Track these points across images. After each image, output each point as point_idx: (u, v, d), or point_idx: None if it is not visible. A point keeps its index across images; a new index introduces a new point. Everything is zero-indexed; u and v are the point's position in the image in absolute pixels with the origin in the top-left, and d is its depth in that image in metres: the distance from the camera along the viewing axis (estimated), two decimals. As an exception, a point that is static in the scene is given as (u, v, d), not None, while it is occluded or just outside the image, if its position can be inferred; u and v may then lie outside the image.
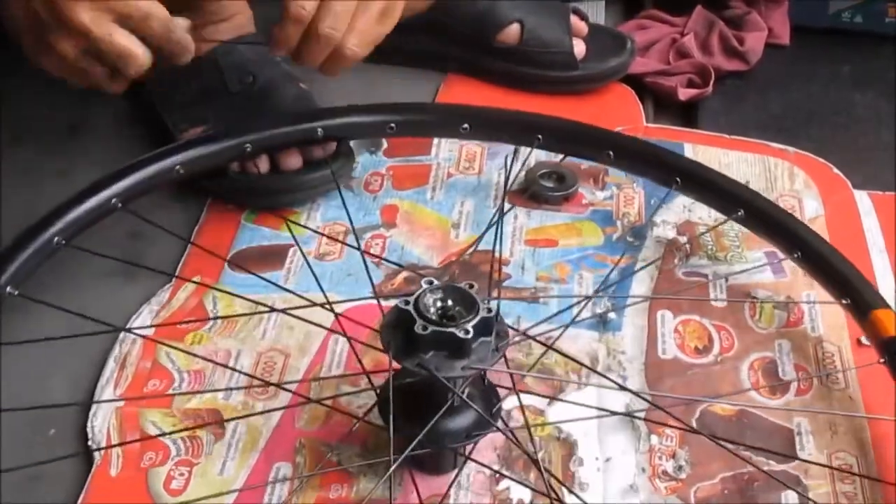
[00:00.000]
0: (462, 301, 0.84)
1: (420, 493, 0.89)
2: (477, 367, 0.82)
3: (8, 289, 0.93)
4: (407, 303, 0.83)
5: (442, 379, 0.81)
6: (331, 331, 0.99)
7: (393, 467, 0.81)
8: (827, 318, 1.05)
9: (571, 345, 1.02)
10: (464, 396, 0.85)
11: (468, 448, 0.91)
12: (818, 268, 1.01)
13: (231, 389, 0.98)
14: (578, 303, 1.05)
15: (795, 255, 1.02)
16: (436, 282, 0.84)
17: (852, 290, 0.99)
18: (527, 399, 0.96)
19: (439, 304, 0.84)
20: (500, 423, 0.89)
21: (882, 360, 0.93)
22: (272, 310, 1.02)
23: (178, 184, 1.17)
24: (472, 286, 0.84)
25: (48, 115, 1.22)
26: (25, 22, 0.87)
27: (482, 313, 0.82)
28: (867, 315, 0.97)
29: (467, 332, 0.80)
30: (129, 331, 1.02)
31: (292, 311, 0.98)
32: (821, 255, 1.01)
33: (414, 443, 0.83)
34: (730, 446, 0.90)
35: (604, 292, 1.07)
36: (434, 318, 0.82)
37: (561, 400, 0.97)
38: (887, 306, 0.97)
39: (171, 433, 0.94)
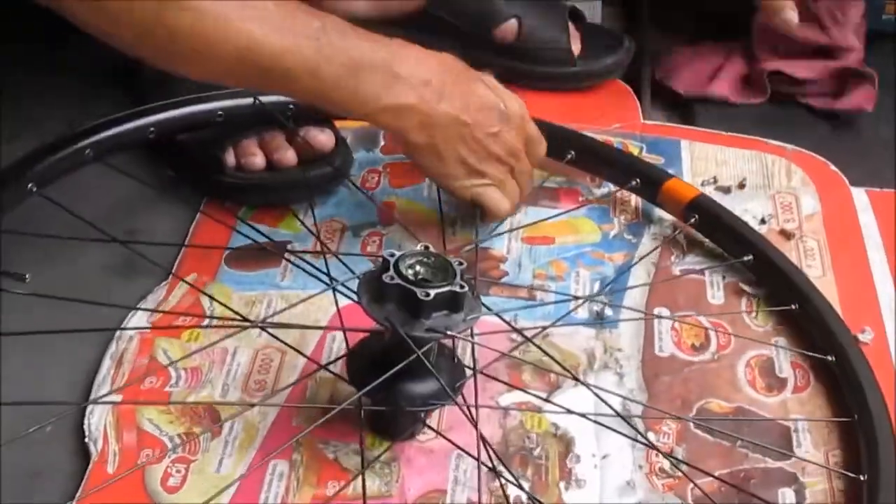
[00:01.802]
0: (443, 272, 0.86)
1: (416, 490, 0.90)
2: (441, 332, 0.84)
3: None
4: (392, 255, 0.85)
5: (403, 333, 0.83)
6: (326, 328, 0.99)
7: (337, 410, 0.85)
8: (824, 315, 1.05)
9: (568, 342, 1.03)
10: (426, 359, 0.86)
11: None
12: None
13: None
14: (569, 301, 1.06)
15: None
16: (432, 248, 0.87)
17: (639, 174, 1.13)
18: (524, 395, 0.96)
19: (420, 267, 0.86)
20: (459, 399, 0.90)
21: (692, 222, 1.09)
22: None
23: (175, 180, 1.18)
24: (461, 263, 0.86)
25: (47, 112, 1.22)
26: (466, 156, 1.02)
27: (453, 287, 0.84)
28: (658, 190, 1.12)
29: (427, 294, 0.83)
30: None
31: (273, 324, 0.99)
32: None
33: (365, 390, 0.85)
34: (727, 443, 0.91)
35: (597, 294, 1.08)
36: (409, 277, 0.84)
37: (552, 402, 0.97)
38: (672, 176, 1.13)
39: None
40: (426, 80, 0.96)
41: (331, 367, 0.94)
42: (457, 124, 0.99)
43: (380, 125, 1.02)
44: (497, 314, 0.97)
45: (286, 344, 0.97)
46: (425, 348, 0.85)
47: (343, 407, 0.87)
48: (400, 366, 0.84)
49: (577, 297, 1.07)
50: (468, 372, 0.91)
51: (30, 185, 0.97)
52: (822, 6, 1.32)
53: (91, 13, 0.85)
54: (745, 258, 1.06)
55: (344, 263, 0.97)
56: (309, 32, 0.89)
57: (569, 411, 0.90)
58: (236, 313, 0.99)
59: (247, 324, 0.99)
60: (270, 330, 0.99)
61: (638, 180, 1.13)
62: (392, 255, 0.85)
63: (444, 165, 1.02)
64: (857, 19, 1.35)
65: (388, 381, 0.84)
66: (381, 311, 0.84)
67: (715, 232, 1.10)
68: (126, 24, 0.85)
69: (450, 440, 0.90)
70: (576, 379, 0.93)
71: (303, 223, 1.12)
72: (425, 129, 0.98)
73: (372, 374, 0.85)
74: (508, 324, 0.97)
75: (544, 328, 1.02)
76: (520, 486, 0.87)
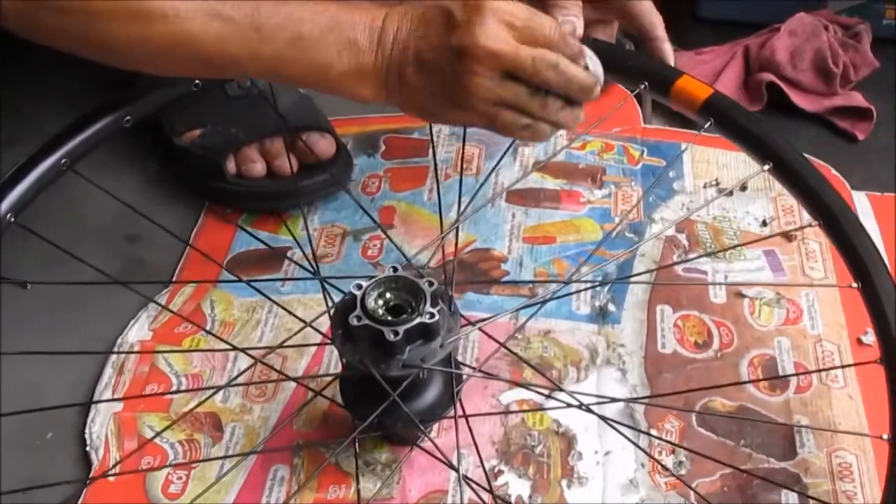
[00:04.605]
0: (414, 296, 0.83)
1: (417, 490, 0.90)
2: (417, 365, 0.82)
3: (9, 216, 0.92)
4: (359, 287, 0.83)
5: (377, 375, 0.81)
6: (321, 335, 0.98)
7: (346, 443, 0.84)
8: (826, 316, 1.05)
9: (570, 338, 1.03)
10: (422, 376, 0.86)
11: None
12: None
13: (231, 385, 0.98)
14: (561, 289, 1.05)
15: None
16: (400, 269, 0.85)
17: (646, 76, 1.00)
18: (526, 393, 0.96)
19: (389, 294, 0.84)
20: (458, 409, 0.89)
21: (709, 125, 0.97)
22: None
23: (176, 187, 1.19)
24: (431, 283, 0.83)
25: (45, 117, 1.22)
26: (435, 88, 0.87)
27: (423, 318, 0.81)
28: (669, 91, 0.99)
29: (396, 333, 0.80)
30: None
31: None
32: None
33: (364, 425, 0.84)
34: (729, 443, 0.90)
35: (579, 277, 1.06)
36: (379, 309, 0.82)
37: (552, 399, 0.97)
38: (682, 74, 1.00)
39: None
40: (375, 35, 0.86)
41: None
42: (409, 61, 0.86)
43: (345, 95, 0.90)
44: (479, 327, 0.95)
45: (279, 372, 0.99)
46: (407, 381, 0.84)
47: (339, 450, 0.88)
48: (384, 405, 0.83)
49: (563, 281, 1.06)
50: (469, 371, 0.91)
51: (8, 216, 0.92)
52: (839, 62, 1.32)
53: (26, 27, 0.84)
54: (765, 166, 0.95)
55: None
56: (242, 14, 0.83)
57: (568, 405, 0.90)
58: (227, 342, 1.00)
59: (245, 350, 1.00)
60: (263, 358, 1.00)
61: (646, 83, 1.01)
62: (359, 288, 0.83)
63: (427, 110, 0.90)
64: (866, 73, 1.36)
65: (381, 403, 0.84)
66: (355, 350, 0.82)
67: (732, 138, 0.99)
68: (61, 34, 0.84)
69: (430, 453, 0.90)
70: (556, 387, 0.93)
71: (291, 232, 1.12)
72: (386, 84, 0.87)
73: (365, 399, 0.86)
74: (490, 336, 0.97)
75: (528, 317, 1.01)
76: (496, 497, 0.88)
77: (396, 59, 0.85)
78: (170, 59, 0.85)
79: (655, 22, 1.06)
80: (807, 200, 0.93)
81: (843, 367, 1.01)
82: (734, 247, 1.12)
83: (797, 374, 1.00)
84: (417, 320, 0.81)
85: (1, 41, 0.86)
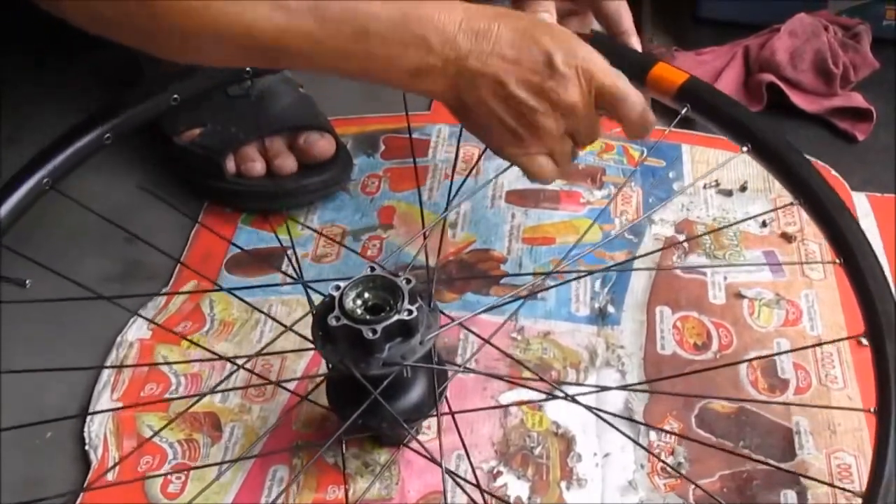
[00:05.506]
0: (392, 294, 0.84)
1: (416, 491, 0.90)
2: (397, 363, 0.82)
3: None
4: (338, 288, 0.83)
5: (358, 375, 0.82)
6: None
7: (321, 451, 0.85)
8: (826, 318, 1.05)
9: (570, 339, 1.02)
10: (406, 373, 0.86)
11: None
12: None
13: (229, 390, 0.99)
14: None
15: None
16: (378, 269, 0.85)
17: (623, 64, 0.95)
18: (526, 395, 0.96)
19: (368, 294, 0.84)
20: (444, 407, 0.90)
21: (686, 111, 0.97)
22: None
23: (176, 187, 1.19)
24: (408, 281, 0.84)
25: (45, 117, 1.22)
26: (505, 118, 0.88)
27: (401, 315, 0.81)
28: (645, 79, 0.98)
29: (374, 332, 0.80)
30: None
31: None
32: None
33: (346, 424, 0.84)
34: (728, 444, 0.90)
35: (565, 266, 1.06)
36: (358, 309, 0.82)
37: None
38: (658, 61, 0.99)
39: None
40: (449, 37, 0.84)
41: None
42: (489, 82, 0.86)
43: (405, 90, 0.91)
44: (461, 324, 0.95)
45: (270, 381, 0.99)
46: (389, 378, 0.84)
47: (323, 449, 0.89)
48: (365, 404, 0.83)
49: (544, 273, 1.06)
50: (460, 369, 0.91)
51: None
52: (839, 63, 1.32)
53: (85, 16, 0.84)
54: (744, 148, 0.95)
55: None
56: (305, 6, 0.81)
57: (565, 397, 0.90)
58: (214, 353, 1.00)
59: (228, 359, 0.99)
60: (255, 369, 1.00)
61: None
62: (338, 288, 0.83)
63: (482, 128, 0.91)
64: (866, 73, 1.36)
65: (367, 405, 0.84)
66: (336, 352, 0.83)
67: (709, 121, 1.00)
68: (119, 25, 0.83)
69: (420, 453, 0.90)
70: (539, 378, 0.93)
71: (278, 237, 1.12)
72: (454, 89, 0.87)
73: (349, 400, 0.85)
74: (477, 334, 0.97)
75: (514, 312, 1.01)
76: (484, 493, 0.88)
77: (473, 69, 0.85)
78: (233, 54, 0.84)
79: (623, 14, 1.06)
80: (786, 179, 0.94)
81: (832, 341, 1.02)
82: (732, 224, 1.12)
83: (792, 350, 1.01)
84: (395, 317, 0.81)
85: (1, 41, 0.86)
